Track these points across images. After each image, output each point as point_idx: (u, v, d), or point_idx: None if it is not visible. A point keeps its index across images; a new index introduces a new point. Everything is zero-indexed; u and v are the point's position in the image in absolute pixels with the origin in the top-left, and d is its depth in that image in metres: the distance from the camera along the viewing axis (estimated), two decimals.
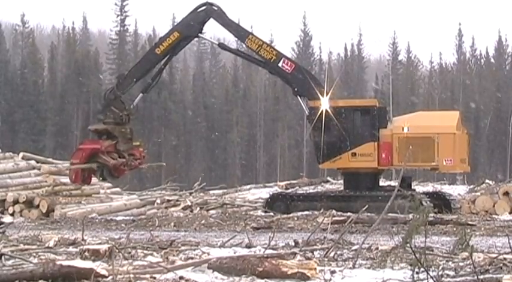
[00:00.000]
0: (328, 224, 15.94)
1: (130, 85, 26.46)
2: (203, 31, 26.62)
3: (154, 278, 8.48)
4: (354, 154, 24.91)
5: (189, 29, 26.06)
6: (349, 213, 20.69)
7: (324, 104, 24.95)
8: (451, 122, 25.02)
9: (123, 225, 21.43)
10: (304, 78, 25.36)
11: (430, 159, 24.42)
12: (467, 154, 25.47)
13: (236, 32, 26.79)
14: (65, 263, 8.44)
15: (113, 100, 25.98)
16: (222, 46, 28.05)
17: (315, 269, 8.65)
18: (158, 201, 30.57)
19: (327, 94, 25.37)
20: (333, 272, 9.01)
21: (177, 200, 30.68)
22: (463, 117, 27.17)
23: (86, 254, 10.24)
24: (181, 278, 8.54)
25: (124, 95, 26.42)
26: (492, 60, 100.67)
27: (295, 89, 25.50)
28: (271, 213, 24.36)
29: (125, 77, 26.65)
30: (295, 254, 10.36)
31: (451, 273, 8.68)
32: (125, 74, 27.25)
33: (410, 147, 23.60)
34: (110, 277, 8.14)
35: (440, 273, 8.26)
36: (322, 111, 24.88)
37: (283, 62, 25.36)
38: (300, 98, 25.69)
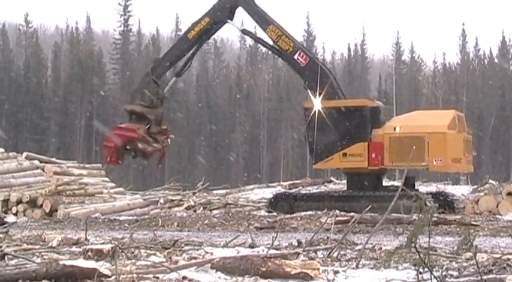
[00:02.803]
0: (332, 224, 15.93)
1: (164, 69, 27.31)
2: (233, 17, 26.96)
3: (158, 277, 8.46)
4: (345, 154, 25.05)
5: (218, 14, 26.61)
6: (352, 213, 20.67)
7: (317, 104, 25.24)
8: (443, 122, 24.84)
9: (126, 225, 21.44)
10: (316, 74, 25.56)
11: (421, 159, 24.33)
12: (464, 154, 25.22)
13: (260, 21, 26.88)
14: (68, 262, 8.43)
15: (147, 83, 26.78)
16: (245, 32, 28.11)
17: (318, 269, 8.63)
18: (161, 201, 30.58)
19: (320, 94, 25.55)
20: (336, 272, 8.99)
21: (181, 200, 30.69)
22: (466, 117, 27.05)
23: (89, 253, 10.22)
24: (184, 277, 8.52)
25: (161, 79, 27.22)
26: (496, 60, 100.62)
27: (306, 83, 25.87)
28: (275, 213, 24.36)
29: (160, 61, 27.47)
30: (298, 254, 10.34)
31: (455, 273, 8.65)
32: (160, 58, 28.02)
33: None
34: (113, 277, 8.13)
35: (444, 273, 8.25)
36: (314, 112, 25.14)
37: (299, 54, 25.78)
38: (309, 91, 25.93)
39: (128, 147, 26.33)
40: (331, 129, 25.11)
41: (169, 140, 27.92)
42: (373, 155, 24.69)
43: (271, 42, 26.74)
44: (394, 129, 24.80)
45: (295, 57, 25.81)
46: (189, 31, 27.12)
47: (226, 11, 26.51)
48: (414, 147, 23.65)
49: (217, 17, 26.67)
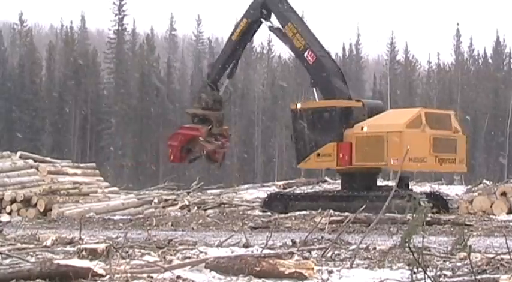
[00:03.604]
0: (326, 223, 15.93)
1: (217, 72, 28.26)
2: (269, 16, 27.47)
3: (152, 277, 8.45)
4: (318, 154, 25.53)
5: (252, 14, 27.53)
6: (346, 213, 20.69)
7: (298, 105, 26.49)
8: (401, 120, 24.76)
9: (120, 224, 21.42)
10: (320, 73, 26.10)
11: (381, 158, 24.41)
12: (430, 153, 24.76)
13: (280, 18, 27.44)
14: (62, 262, 8.41)
15: (204, 87, 28.31)
16: (271, 29, 28.32)
17: (313, 268, 8.63)
18: (156, 200, 30.55)
19: (322, 93, 26.13)
20: (330, 272, 8.98)
21: (175, 200, 30.67)
22: (456, 116, 26.82)
23: (83, 253, 10.20)
24: (178, 277, 8.51)
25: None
26: (490, 60, 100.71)
27: (311, 81, 26.62)
28: (269, 213, 24.42)
29: (213, 65, 29.07)
30: (292, 253, 10.33)
31: (449, 273, 8.66)
32: (213, 62, 29.70)
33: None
34: (107, 276, 8.11)
35: (438, 273, 8.25)
36: (296, 113, 26.17)
37: (308, 52, 26.41)
38: (314, 89, 26.57)
39: (190, 146, 27.56)
40: (308, 130, 25.80)
41: (229, 143, 29.24)
42: (341, 155, 24.94)
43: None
44: (362, 128, 24.93)
45: (305, 55, 26.47)
46: (232, 33, 28.18)
47: (259, 10, 27.30)
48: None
49: (252, 17, 27.51)
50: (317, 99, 26.48)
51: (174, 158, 28.28)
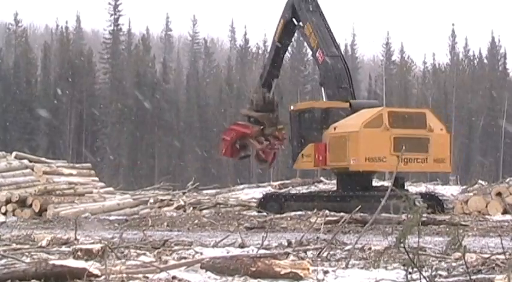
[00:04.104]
0: (322, 224, 15.94)
1: (267, 74, 28.63)
2: (298, 16, 27.66)
3: (147, 277, 8.45)
4: (302, 155, 25.87)
5: (285, 15, 27.86)
6: (342, 213, 20.69)
7: (292, 107, 27.29)
8: (359, 120, 24.78)
9: (116, 224, 21.39)
10: (325, 73, 26.56)
11: (343, 159, 24.50)
12: (391, 152, 24.21)
13: (301, 17, 27.66)
14: (58, 262, 8.40)
15: (256, 90, 28.90)
16: (297, 27, 28.36)
17: (308, 269, 8.63)
18: (151, 200, 30.51)
19: (325, 93, 26.50)
20: (326, 272, 8.99)
21: (170, 200, 30.63)
22: (437, 115, 26.54)
23: (79, 253, 10.19)
24: (174, 277, 8.50)
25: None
26: (485, 61, 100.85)
27: (320, 80, 27.50)
28: (265, 213, 24.41)
29: (263, 67, 29.60)
30: (288, 254, 10.33)
31: (444, 273, 8.66)
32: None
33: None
34: (103, 277, 8.11)
35: (433, 273, 8.26)
36: (291, 115, 26.86)
37: (318, 52, 26.80)
38: (322, 89, 27.12)
39: (241, 143, 28.12)
40: (297, 131, 26.31)
41: (282, 146, 29.55)
42: (317, 155, 25.12)
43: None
44: (334, 129, 25.02)
45: (316, 54, 26.93)
46: (274, 34, 28.64)
47: (290, 10, 27.55)
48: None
49: (286, 17, 27.79)
50: (324, 99, 26.84)
51: (226, 152, 28.89)
